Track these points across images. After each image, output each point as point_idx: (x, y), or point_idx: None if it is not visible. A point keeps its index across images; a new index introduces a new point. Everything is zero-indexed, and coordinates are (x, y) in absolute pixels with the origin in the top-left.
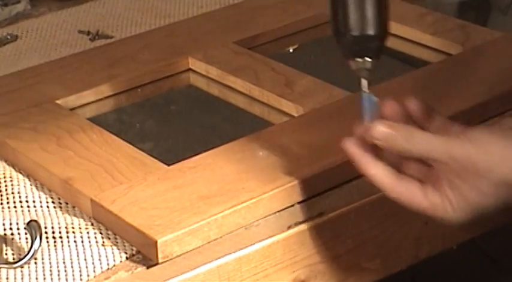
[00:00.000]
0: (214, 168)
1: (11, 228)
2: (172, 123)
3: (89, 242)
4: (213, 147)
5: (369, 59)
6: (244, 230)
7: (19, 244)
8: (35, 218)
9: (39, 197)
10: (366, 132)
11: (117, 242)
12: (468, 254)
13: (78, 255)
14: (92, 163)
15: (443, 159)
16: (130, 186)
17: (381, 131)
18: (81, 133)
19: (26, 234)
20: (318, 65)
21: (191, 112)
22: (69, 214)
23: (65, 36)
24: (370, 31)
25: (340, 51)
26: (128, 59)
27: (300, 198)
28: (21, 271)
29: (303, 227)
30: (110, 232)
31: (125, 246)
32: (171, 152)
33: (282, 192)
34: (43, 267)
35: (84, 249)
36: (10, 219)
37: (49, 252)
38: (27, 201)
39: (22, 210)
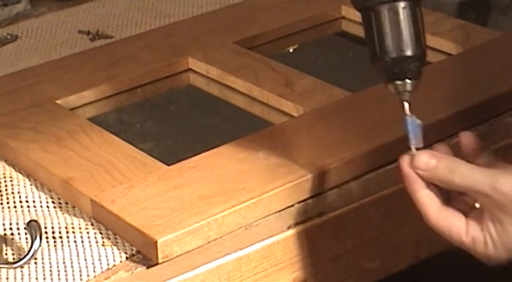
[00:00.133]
0: (214, 168)
1: (11, 228)
2: (172, 123)
3: (89, 242)
4: (213, 147)
5: (409, 81)
6: (244, 230)
7: (19, 244)
8: (35, 218)
9: (39, 197)
10: (411, 163)
11: (117, 242)
12: (468, 254)
13: (78, 255)
14: (92, 163)
15: (486, 191)
16: (130, 186)
17: (423, 161)
18: (81, 133)
19: (26, 234)
20: (318, 65)
21: (191, 112)
22: (69, 214)
23: (65, 36)
24: (408, 52)
25: (379, 75)
26: (128, 59)
27: (299, 198)
28: (21, 271)
29: (303, 227)
30: (110, 232)
31: (124, 246)
32: (171, 152)
33: (282, 192)
34: (43, 267)
35: (84, 249)
36: (10, 219)
37: (49, 252)
38: (27, 201)
39: (22, 210)
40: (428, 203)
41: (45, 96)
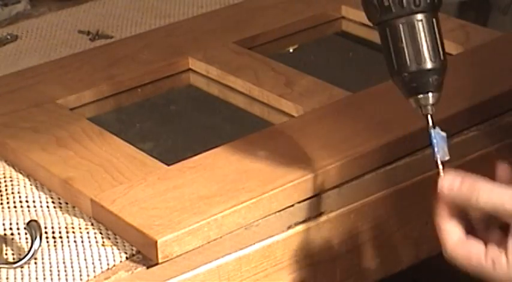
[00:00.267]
0: (214, 168)
1: (11, 228)
2: (172, 123)
3: (89, 242)
4: (213, 147)
5: (431, 94)
6: (244, 230)
7: (19, 244)
8: (35, 218)
9: (39, 197)
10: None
11: (117, 242)
12: None
13: (78, 255)
14: (92, 163)
15: None
16: (130, 186)
17: (448, 180)
18: (81, 133)
19: (26, 234)
20: (318, 65)
21: (191, 112)
22: (69, 214)
23: (65, 36)
24: (427, 65)
25: (399, 90)
26: (128, 59)
27: (300, 198)
28: (21, 271)
29: (303, 227)
30: (110, 232)
31: (124, 246)
32: (171, 152)
33: (282, 192)
34: (43, 267)
35: (84, 249)
36: (10, 219)
37: (49, 252)
38: (27, 201)
39: (22, 210)
40: (450, 234)
41: (45, 96)
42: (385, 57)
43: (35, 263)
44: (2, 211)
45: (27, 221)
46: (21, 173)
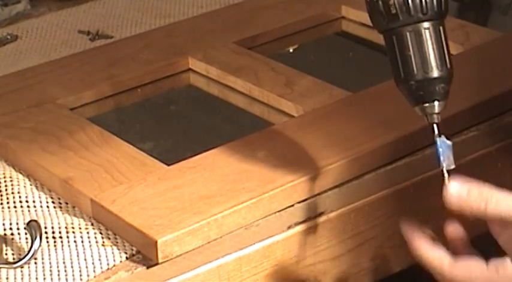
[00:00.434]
0: (214, 168)
1: (11, 228)
2: (172, 123)
3: (89, 242)
4: (213, 147)
5: (437, 102)
6: (244, 230)
7: (19, 244)
8: (35, 218)
9: (39, 197)
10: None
11: (117, 242)
12: None
13: (78, 255)
14: (92, 163)
15: None
16: (130, 186)
17: (456, 189)
18: (81, 133)
19: (26, 234)
20: (318, 65)
21: (191, 112)
22: (69, 214)
23: (65, 36)
24: (433, 73)
25: (405, 98)
26: (128, 59)
27: (300, 198)
28: (21, 271)
29: (303, 227)
30: (110, 232)
31: (124, 246)
32: (171, 152)
33: (282, 192)
34: (43, 267)
35: (84, 249)
36: (10, 219)
37: (49, 252)
38: (27, 201)
39: (22, 210)
40: (441, 259)
41: (45, 96)
42: (391, 65)
43: (35, 263)
44: (2, 211)
45: (27, 221)
46: (21, 173)
